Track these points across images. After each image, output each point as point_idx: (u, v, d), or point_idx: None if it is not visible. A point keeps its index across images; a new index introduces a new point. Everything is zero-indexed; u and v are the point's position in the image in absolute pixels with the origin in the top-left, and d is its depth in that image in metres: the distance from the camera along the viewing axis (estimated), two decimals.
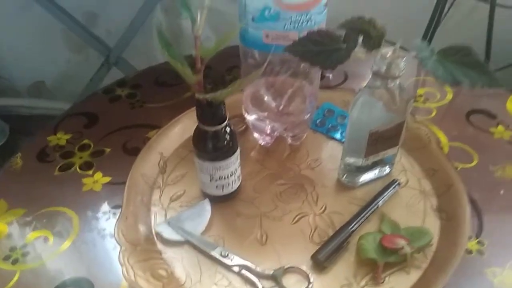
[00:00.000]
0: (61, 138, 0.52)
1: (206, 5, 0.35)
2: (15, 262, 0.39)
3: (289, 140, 0.49)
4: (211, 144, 0.38)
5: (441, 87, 0.58)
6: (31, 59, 1.26)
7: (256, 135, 0.50)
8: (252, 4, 0.38)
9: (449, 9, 0.83)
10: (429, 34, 0.82)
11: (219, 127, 0.37)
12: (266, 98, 0.47)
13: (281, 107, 0.47)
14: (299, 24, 0.38)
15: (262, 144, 0.50)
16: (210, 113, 0.37)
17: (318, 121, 0.52)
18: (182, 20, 1.15)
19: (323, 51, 0.36)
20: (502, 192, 0.44)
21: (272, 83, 0.47)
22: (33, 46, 1.22)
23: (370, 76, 0.38)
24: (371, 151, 0.41)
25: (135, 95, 0.58)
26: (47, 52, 1.22)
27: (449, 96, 0.57)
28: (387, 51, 0.36)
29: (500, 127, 0.52)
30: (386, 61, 0.36)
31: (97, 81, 0.89)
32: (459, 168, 0.46)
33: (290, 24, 0.38)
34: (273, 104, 0.47)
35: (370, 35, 0.33)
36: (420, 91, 0.58)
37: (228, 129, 0.38)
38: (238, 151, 0.40)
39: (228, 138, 0.38)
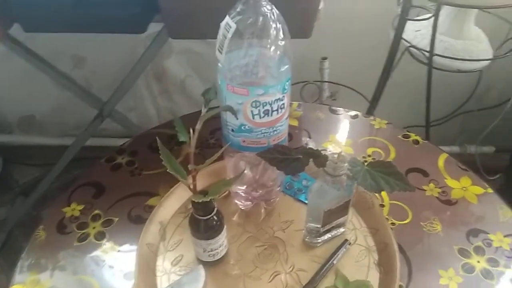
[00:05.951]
0: (75, 209, 0.62)
1: (197, 128, 0.47)
2: None
3: (264, 205, 0.61)
4: (204, 229, 0.49)
5: (387, 147, 0.71)
6: (19, 95, 1.33)
7: (236, 201, 0.62)
8: (231, 122, 0.49)
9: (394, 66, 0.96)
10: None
11: (210, 216, 0.49)
12: (245, 171, 0.59)
13: (257, 177, 0.59)
14: (268, 134, 0.50)
15: (242, 208, 0.61)
16: (202, 207, 0.48)
17: (286, 184, 0.64)
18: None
19: (285, 159, 0.48)
20: (428, 244, 0.57)
21: (249, 159, 0.58)
22: (21, 84, 1.28)
23: (322, 172, 0.50)
24: (326, 222, 0.53)
25: (133, 162, 0.69)
26: (35, 89, 1.29)
27: (392, 155, 0.70)
28: (334, 158, 0.48)
29: (432, 185, 0.65)
30: (333, 165, 0.48)
31: (92, 130, 0.98)
32: (396, 225, 0.59)
33: (261, 134, 0.50)
34: (250, 175, 0.59)
35: (318, 157, 0.45)
36: (369, 150, 0.70)
37: (216, 217, 0.50)
38: (225, 229, 0.52)
39: (216, 222, 0.50)
